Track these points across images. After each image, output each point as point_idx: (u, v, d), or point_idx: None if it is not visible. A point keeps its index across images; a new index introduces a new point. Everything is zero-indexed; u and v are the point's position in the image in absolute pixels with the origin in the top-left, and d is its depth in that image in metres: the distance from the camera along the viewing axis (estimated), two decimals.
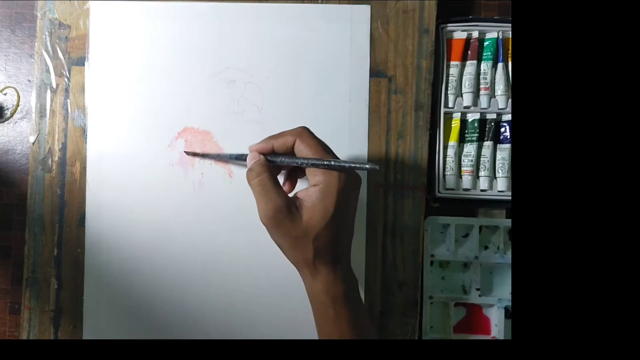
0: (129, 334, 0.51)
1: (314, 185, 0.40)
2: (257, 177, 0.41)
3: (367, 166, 0.38)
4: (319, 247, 0.39)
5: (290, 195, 0.41)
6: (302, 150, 0.40)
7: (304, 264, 0.40)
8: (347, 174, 0.40)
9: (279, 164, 0.42)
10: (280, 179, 0.44)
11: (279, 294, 0.50)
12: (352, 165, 0.39)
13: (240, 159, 0.46)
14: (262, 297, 0.50)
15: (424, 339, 0.52)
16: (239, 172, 0.51)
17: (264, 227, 0.41)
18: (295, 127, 0.42)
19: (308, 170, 0.41)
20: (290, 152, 0.41)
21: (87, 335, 0.51)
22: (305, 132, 0.41)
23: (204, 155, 0.50)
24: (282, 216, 0.39)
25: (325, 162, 0.39)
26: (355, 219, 0.43)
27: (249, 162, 0.42)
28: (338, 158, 0.41)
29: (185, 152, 0.51)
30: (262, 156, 0.42)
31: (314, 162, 0.40)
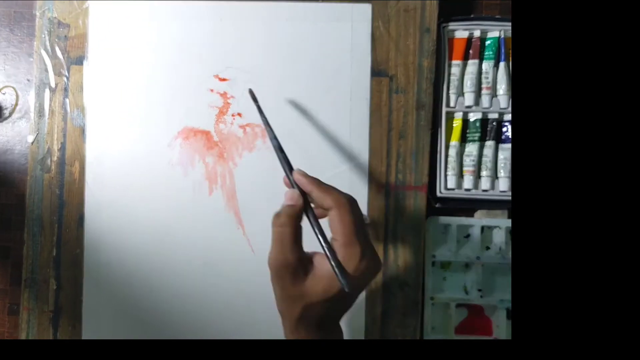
0: (129, 334, 0.50)
1: None
2: (280, 226, 0.38)
3: (342, 282, 0.36)
4: (307, 313, 0.38)
5: (321, 219, 0.39)
6: (335, 223, 0.38)
7: (286, 318, 0.40)
8: (368, 258, 0.37)
9: (307, 218, 0.40)
10: None
11: None
12: (335, 271, 0.36)
13: (283, 160, 0.42)
14: (262, 297, 0.50)
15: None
16: (239, 171, 0.51)
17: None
18: (347, 192, 0.39)
19: (334, 238, 0.38)
20: (323, 212, 0.40)
21: (86, 336, 0.50)
22: (345, 208, 0.38)
23: (260, 110, 0.46)
24: (287, 272, 0.38)
25: (328, 259, 0.37)
26: None
27: (285, 201, 0.40)
28: (369, 242, 0.38)
29: (250, 90, 0.48)
30: (298, 204, 0.39)
31: (326, 249, 0.37)
